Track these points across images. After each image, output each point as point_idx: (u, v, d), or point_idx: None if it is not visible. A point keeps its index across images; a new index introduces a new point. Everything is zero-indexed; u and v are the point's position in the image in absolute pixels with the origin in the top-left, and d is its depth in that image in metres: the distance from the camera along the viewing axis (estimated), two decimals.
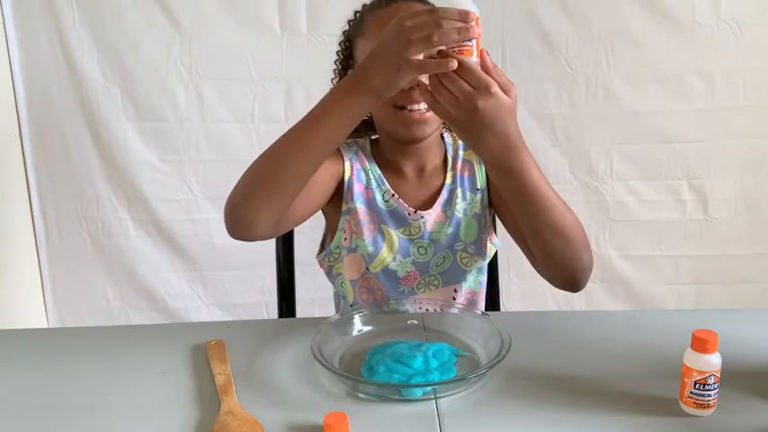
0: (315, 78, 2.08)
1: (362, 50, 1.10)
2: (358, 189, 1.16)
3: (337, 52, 1.20)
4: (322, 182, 1.10)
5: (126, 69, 2.03)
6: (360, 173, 1.17)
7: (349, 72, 1.14)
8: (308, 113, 0.91)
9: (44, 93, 2.05)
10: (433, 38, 0.79)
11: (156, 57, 2.02)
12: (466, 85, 0.83)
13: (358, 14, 1.16)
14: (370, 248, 1.15)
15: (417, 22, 0.80)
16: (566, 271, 0.99)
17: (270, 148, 0.92)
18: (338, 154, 1.16)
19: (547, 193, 0.92)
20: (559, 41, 2.00)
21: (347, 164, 1.16)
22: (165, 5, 1.98)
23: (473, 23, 0.80)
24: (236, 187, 0.94)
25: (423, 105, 1.06)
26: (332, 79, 1.21)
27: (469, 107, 0.83)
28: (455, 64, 0.81)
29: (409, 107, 1.06)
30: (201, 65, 2.03)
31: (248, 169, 0.93)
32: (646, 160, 2.10)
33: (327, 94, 0.91)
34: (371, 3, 1.14)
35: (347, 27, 1.18)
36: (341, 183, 1.16)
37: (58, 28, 2.00)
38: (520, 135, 0.89)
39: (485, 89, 0.83)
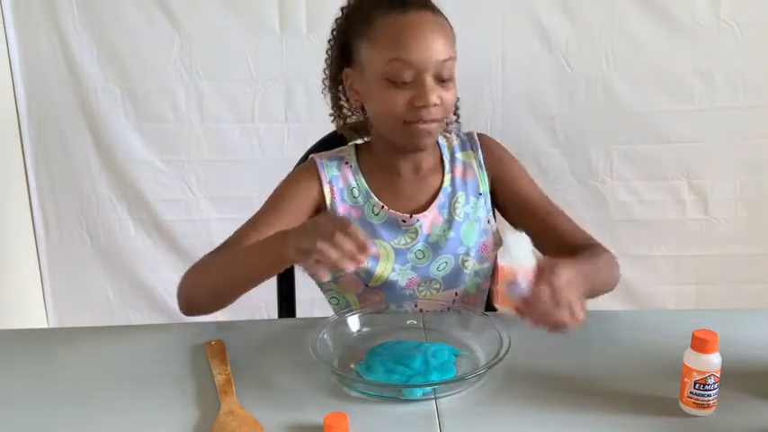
0: (315, 78, 2.07)
1: (370, 57, 1.06)
2: (343, 210, 1.15)
3: (328, 51, 1.15)
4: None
5: (126, 69, 2.03)
6: (343, 193, 1.16)
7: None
8: (243, 248, 1.05)
9: (44, 93, 2.05)
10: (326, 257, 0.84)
11: (156, 57, 2.02)
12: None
13: (358, 12, 1.10)
14: (367, 266, 1.13)
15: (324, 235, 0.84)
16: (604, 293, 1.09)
17: (207, 266, 1.08)
18: (316, 180, 1.15)
19: (598, 276, 1.04)
20: (559, 41, 2.00)
21: (327, 188, 1.15)
22: (165, 5, 1.98)
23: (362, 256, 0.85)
24: (183, 281, 1.09)
25: (431, 118, 1.05)
26: (323, 80, 1.18)
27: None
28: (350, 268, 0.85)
29: (417, 122, 1.06)
30: (201, 65, 2.02)
31: (193, 271, 1.09)
32: (646, 160, 2.09)
33: (259, 241, 1.02)
34: (379, 3, 1.06)
35: (342, 19, 1.12)
36: (324, 208, 1.15)
37: (57, 28, 1.99)
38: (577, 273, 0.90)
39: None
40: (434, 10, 1.07)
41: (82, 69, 2.02)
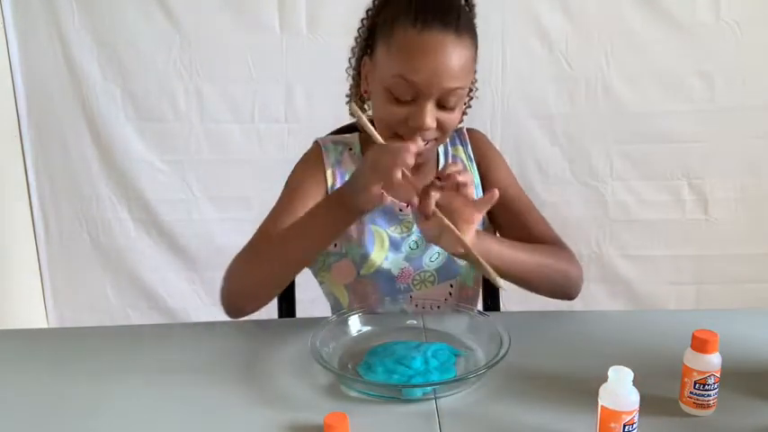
0: (315, 78, 2.09)
1: (382, 64, 1.03)
2: None
3: (356, 38, 1.11)
4: None
5: (126, 69, 2.03)
6: (344, 177, 1.15)
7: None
8: (296, 222, 1.02)
9: (44, 93, 2.05)
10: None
11: (156, 57, 2.02)
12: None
13: (390, 6, 1.04)
14: (362, 250, 1.14)
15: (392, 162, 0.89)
16: (559, 296, 1.12)
17: (256, 254, 1.04)
18: (319, 165, 1.15)
19: (516, 267, 1.03)
20: (559, 41, 2.00)
21: (329, 172, 1.15)
22: (165, 5, 1.98)
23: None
24: (229, 281, 1.04)
25: (420, 141, 1.01)
26: (350, 58, 1.13)
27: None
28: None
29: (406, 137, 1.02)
30: (201, 65, 2.03)
31: (238, 267, 1.04)
32: (646, 160, 2.10)
33: (314, 207, 1.02)
34: (405, 9, 1.00)
35: (372, 8, 1.08)
36: (325, 192, 1.14)
37: (58, 28, 2.00)
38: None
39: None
40: (459, 30, 1.00)
41: (82, 69, 2.03)
